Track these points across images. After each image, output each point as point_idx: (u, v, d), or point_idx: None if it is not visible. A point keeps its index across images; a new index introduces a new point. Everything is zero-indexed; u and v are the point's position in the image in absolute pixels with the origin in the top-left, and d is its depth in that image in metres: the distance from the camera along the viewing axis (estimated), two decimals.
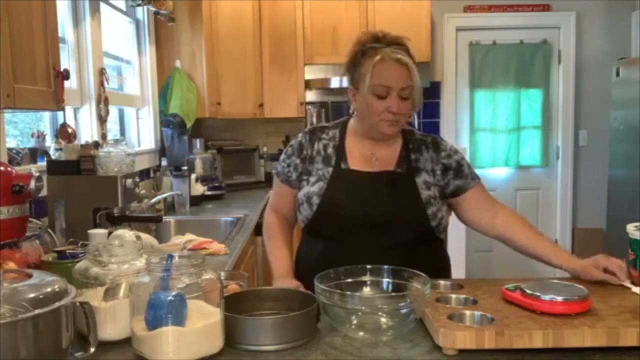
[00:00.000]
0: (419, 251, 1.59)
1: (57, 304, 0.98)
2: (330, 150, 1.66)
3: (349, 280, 1.35)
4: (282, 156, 1.73)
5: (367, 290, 1.37)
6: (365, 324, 1.22)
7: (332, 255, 1.55)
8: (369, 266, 1.38)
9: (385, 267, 1.38)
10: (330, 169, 1.63)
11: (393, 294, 1.33)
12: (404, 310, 1.21)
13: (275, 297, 1.35)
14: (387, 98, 1.54)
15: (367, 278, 1.38)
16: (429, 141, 1.69)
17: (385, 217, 1.57)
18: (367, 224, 1.56)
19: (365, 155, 1.65)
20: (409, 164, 1.64)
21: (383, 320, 1.22)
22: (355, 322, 1.22)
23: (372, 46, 1.56)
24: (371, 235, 1.56)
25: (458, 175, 1.67)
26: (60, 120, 2.45)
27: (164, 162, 3.73)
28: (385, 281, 1.37)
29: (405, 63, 1.53)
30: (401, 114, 1.57)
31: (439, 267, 1.69)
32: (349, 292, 1.24)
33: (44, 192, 1.91)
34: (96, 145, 2.29)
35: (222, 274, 1.47)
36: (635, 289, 1.37)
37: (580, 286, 1.26)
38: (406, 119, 1.62)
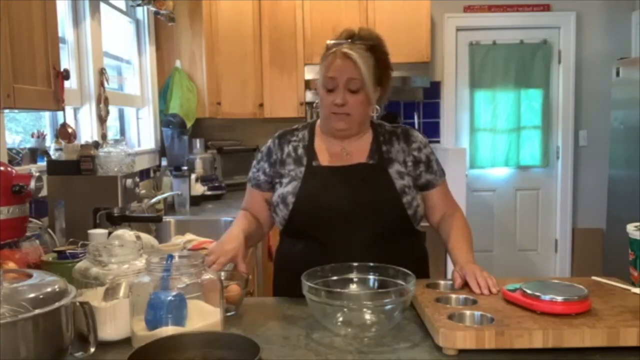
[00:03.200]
0: (399, 245, 1.59)
1: (57, 304, 0.98)
2: (300, 151, 1.67)
3: (335, 277, 1.37)
4: (253, 162, 1.76)
5: (353, 287, 1.39)
6: (351, 321, 1.23)
7: (313, 253, 1.55)
8: (355, 264, 1.40)
9: (371, 264, 1.39)
10: (303, 168, 1.64)
11: (378, 290, 1.34)
12: (388, 307, 1.22)
13: (201, 344, 1.03)
14: (335, 91, 1.57)
15: (353, 275, 1.39)
16: (400, 132, 1.70)
17: (362, 208, 1.57)
18: (345, 217, 1.57)
19: (336, 152, 1.66)
20: (381, 155, 1.65)
21: (367, 317, 1.23)
22: (341, 318, 1.23)
23: (335, 42, 1.59)
24: (350, 229, 1.56)
25: (428, 170, 1.68)
26: (60, 120, 2.45)
27: (164, 162, 3.73)
28: (372, 278, 1.38)
29: (351, 57, 1.54)
30: (348, 106, 1.57)
31: (418, 260, 1.69)
32: (329, 290, 1.25)
33: (44, 192, 1.91)
34: (96, 145, 2.28)
35: (222, 274, 1.46)
36: (635, 289, 1.37)
37: (580, 286, 1.26)
38: (359, 114, 1.60)
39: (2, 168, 1.58)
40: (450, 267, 3.61)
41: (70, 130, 2.38)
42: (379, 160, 1.64)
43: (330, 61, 1.57)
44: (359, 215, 1.57)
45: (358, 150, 1.66)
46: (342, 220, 1.57)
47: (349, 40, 1.58)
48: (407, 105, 4.61)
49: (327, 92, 1.58)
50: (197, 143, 3.94)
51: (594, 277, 1.48)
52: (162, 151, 3.85)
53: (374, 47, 1.59)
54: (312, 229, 1.60)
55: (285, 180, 1.65)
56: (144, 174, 3.42)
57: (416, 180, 1.66)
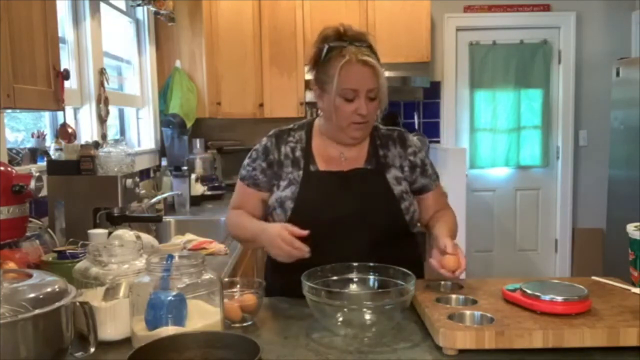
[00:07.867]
0: (394, 248, 1.57)
1: (57, 304, 0.98)
2: (298, 153, 1.65)
3: (335, 277, 1.37)
4: (247, 160, 1.71)
5: (353, 287, 1.39)
6: (351, 321, 1.23)
7: (309, 258, 1.49)
8: (355, 264, 1.40)
9: (371, 264, 1.40)
10: (301, 172, 1.62)
11: (378, 290, 1.35)
12: (388, 307, 1.22)
13: (201, 344, 1.02)
14: (355, 100, 1.53)
15: (353, 275, 1.40)
16: (396, 136, 1.69)
17: (360, 215, 1.56)
18: (342, 223, 1.55)
19: (334, 156, 1.65)
20: (378, 159, 1.64)
21: (367, 317, 1.24)
22: (341, 318, 1.23)
23: (336, 45, 1.54)
24: (347, 235, 1.55)
25: (423, 174, 1.68)
26: (60, 120, 2.45)
27: (164, 162, 3.73)
28: (372, 278, 1.39)
29: (372, 65, 1.52)
30: (368, 115, 1.55)
31: (414, 261, 1.64)
32: (329, 290, 1.25)
33: (44, 192, 1.91)
34: (96, 145, 2.28)
35: (238, 285, 1.44)
36: (635, 289, 1.37)
37: (581, 286, 1.26)
38: (374, 120, 1.62)
39: (2, 168, 1.58)
40: None
41: (70, 130, 2.38)
42: (377, 165, 1.63)
43: (347, 70, 1.51)
44: (357, 222, 1.56)
45: (356, 155, 1.65)
46: (340, 226, 1.55)
47: (347, 42, 1.54)
48: (407, 105, 4.61)
49: (345, 102, 1.54)
50: (197, 143, 3.94)
51: (594, 277, 1.48)
52: (162, 151, 3.85)
53: (372, 47, 1.58)
54: (309, 235, 1.58)
55: (283, 183, 1.63)
56: (144, 174, 3.42)
57: (412, 184, 1.66)
